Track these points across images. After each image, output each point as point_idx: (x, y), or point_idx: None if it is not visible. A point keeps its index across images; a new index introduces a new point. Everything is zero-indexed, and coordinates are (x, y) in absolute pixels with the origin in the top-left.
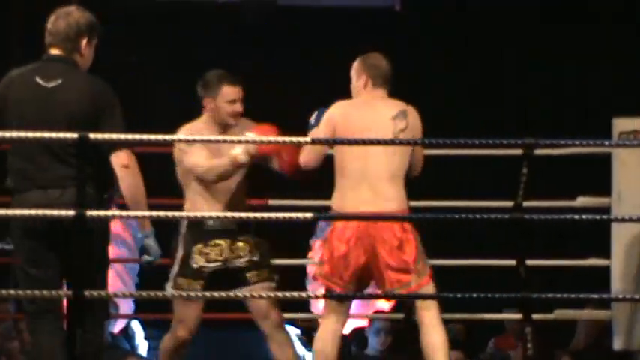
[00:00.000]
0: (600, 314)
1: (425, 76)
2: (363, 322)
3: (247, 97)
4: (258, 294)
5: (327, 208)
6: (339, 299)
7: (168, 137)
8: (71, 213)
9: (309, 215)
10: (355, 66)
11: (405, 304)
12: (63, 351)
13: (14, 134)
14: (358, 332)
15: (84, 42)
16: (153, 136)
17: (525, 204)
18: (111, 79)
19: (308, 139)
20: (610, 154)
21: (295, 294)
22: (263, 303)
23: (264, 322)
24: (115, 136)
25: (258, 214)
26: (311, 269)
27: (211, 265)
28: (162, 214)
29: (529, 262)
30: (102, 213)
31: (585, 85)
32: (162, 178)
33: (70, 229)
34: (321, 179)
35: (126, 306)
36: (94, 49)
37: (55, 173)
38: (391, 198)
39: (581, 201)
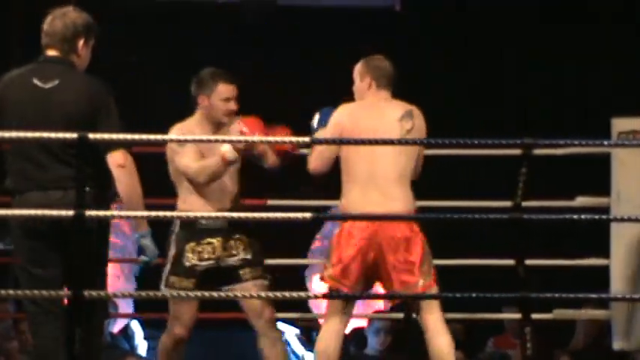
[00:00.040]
0: (599, 314)
1: (425, 76)
2: (362, 322)
3: (247, 97)
4: (257, 294)
5: (326, 208)
6: (344, 300)
7: (164, 137)
8: (70, 213)
9: (308, 215)
10: (358, 68)
11: (407, 304)
12: (64, 353)
13: (13, 134)
14: (357, 332)
15: (80, 42)
16: (149, 136)
17: (524, 204)
18: (111, 79)
19: (307, 139)
20: (609, 153)
21: (294, 294)
22: (257, 301)
23: (257, 320)
24: (114, 136)
25: (257, 214)
26: (310, 269)
27: (204, 263)
28: (161, 213)
29: (528, 261)
30: (101, 213)
31: (585, 85)
32: (159, 177)
33: (70, 229)
34: (321, 179)
35: (125, 306)
36: (91, 49)
37: (56, 174)
38: (399, 199)
39: (581, 201)
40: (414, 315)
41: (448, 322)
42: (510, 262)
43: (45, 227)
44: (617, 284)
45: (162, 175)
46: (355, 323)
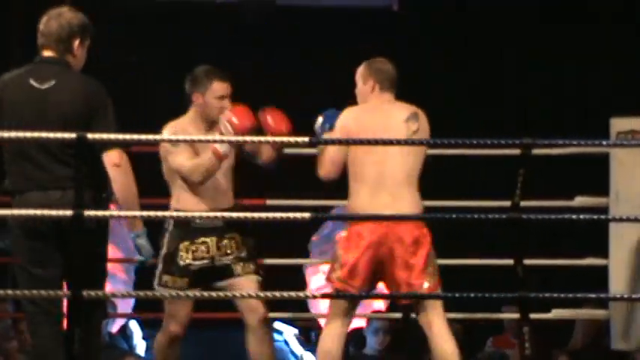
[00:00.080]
0: (598, 314)
1: (425, 76)
2: (361, 322)
3: (247, 97)
4: (255, 294)
5: (325, 208)
6: (349, 301)
7: (160, 137)
8: (69, 213)
9: (307, 215)
10: (361, 71)
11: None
12: (62, 353)
13: (12, 134)
14: (356, 332)
15: (76, 43)
16: (147, 137)
17: (523, 204)
18: (111, 79)
19: (306, 139)
20: (608, 153)
21: (293, 294)
22: (247, 298)
23: (250, 315)
24: (112, 136)
25: (255, 214)
26: (310, 269)
27: (198, 263)
28: (160, 213)
29: (527, 261)
30: (100, 213)
31: (585, 85)
32: (155, 177)
33: (69, 229)
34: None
35: (124, 305)
36: (87, 49)
37: (55, 174)
38: (408, 200)
39: (579, 201)
40: (412, 315)
41: (447, 322)
42: (509, 261)
43: (45, 227)
44: (616, 284)
45: (158, 175)
46: (354, 323)
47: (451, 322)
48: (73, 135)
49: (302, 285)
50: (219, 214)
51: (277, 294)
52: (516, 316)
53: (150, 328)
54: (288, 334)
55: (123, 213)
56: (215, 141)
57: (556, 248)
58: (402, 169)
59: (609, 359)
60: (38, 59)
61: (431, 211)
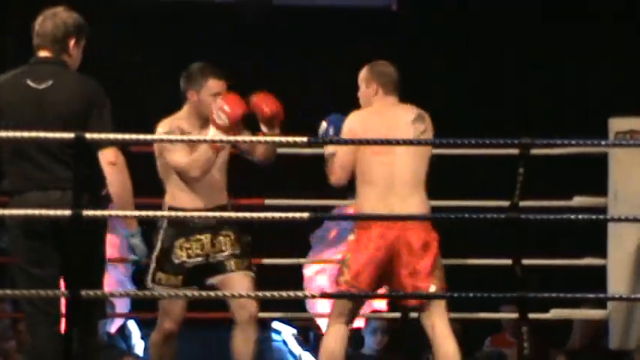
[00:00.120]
0: (596, 314)
1: (426, 76)
2: (359, 322)
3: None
4: (254, 294)
5: (324, 208)
6: (353, 302)
7: (160, 137)
8: (67, 213)
9: (305, 215)
10: (363, 74)
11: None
12: (61, 353)
13: (11, 134)
14: (354, 332)
15: (72, 42)
16: (144, 136)
17: (522, 203)
18: (115, 78)
19: (305, 139)
20: (606, 153)
21: (292, 294)
22: (244, 292)
23: (240, 312)
24: (111, 136)
25: (254, 214)
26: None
27: (192, 260)
28: (158, 213)
29: (525, 261)
30: (98, 213)
31: (586, 85)
32: (150, 177)
33: (67, 229)
34: (319, 179)
35: (122, 305)
36: (83, 49)
37: (54, 174)
38: (417, 203)
39: (578, 200)
40: (411, 315)
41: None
42: (508, 261)
43: (43, 227)
44: (615, 284)
45: (154, 174)
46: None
47: (450, 322)
48: (72, 135)
49: (300, 284)
50: (218, 213)
51: (276, 294)
52: (515, 315)
53: (148, 328)
54: (286, 333)
55: (121, 213)
56: (215, 141)
57: (554, 248)
58: (411, 170)
59: (607, 359)
60: (34, 60)
61: (430, 210)
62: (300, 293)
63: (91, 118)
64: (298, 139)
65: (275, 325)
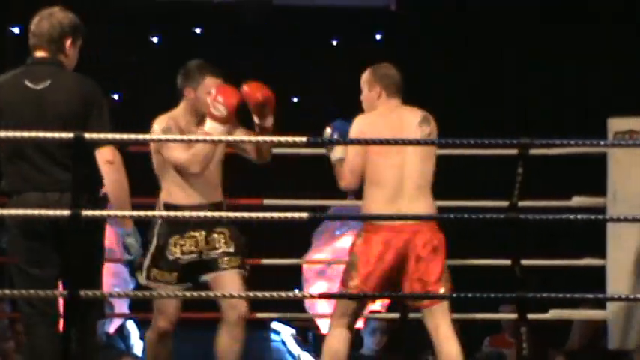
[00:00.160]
0: (595, 314)
1: (425, 76)
2: (358, 323)
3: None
4: (253, 294)
5: (323, 208)
6: (357, 302)
7: (158, 137)
8: (66, 213)
9: (304, 215)
10: (366, 77)
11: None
12: (59, 353)
13: (11, 134)
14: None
15: (68, 42)
16: (143, 136)
17: (521, 204)
18: (111, 79)
19: (304, 139)
20: (605, 154)
21: (291, 294)
22: (235, 292)
23: (230, 311)
24: (110, 136)
25: (253, 214)
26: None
27: (186, 257)
28: (157, 213)
29: (524, 261)
30: (97, 213)
31: (585, 85)
32: (147, 176)
33: (66, 229)
34: (319, 180)
35: (121, 305)
36: (79, 49)
37: (53, 177)
38: (425, 205)
39: (577, 201)
40: (410, 315)
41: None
42: (507, 261)
43: (42, 227)
44: (614, 284)
45: (151, 174)
46: None
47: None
48: (71, 135)
49: (299, 285)
50: (217, 213)
51: (275, 294)
52: (514, 316)
53: (147, 328)
54: (285, 334)
55: (120, 213)
56: (214, 140)
57: (554, 248)
58: (419, 172)
59: (606, 359)
60: (31, 60)
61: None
62: (299, 293)
63: (91, 118)
64: (297, 139)
65: (274, 325)
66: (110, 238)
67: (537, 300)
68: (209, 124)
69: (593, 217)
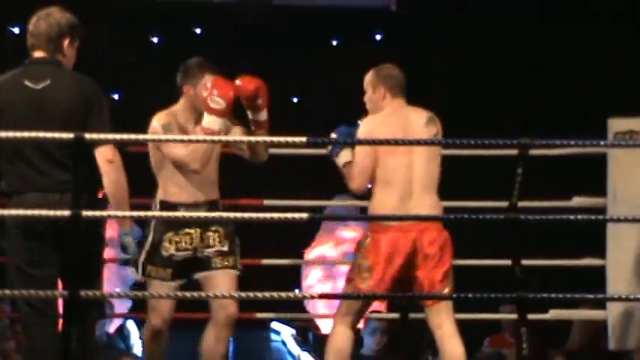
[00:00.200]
0: (595, 314)
1: (425, 76)
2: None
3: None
4: (253, 294)
5: (323, 208)
6: (363, 301)
7: (158, 137)
8: (66, 213)
9: (304, 215)
10: (369, 78)
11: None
12: (58, 353)
13: (11, 134)
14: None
15: (66, 42)
16: (143, 136)
17: (521, 204)
18: (111, 79)
19: (304, 139)
20: (605, 154)
21: (291, 294)
22: (225, 291)
23: (220, 311)
24: (110, 136)
25: (253, 214)
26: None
27: (181, 254)
28: (157, 213)
29: (525, 262)
30: (97, 213)
31: (585, 85)
32: (146, 176)
33: (66, 230)
34: (318, 180)
35: (121, 306)
36: (77, 49)
37: (53, 178)
38: (432, 205)
39: (577, 201)
40: (410, 315)
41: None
42: (507, 262)
43: (42, 227)
44: (614, 285)
45: (151, 174)
46: None
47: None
48: (71, 135)
49: (298, 285)
50: (217, 213)
51: (275, 294)
52: (514, 316)
53: None
54: (285, 334)
55: (120, 213)
56: (214, 140)
57: (554, 248)
58: (426, 171)
59: (606, 359)
60: (29, 60)
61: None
62: (299, 293)
63: (91, 117)
64: (297, 139)
65: (274, 325)
66: (115, 230)
67: (537, 300)
68: (207, 118)
69: (593, 217)
